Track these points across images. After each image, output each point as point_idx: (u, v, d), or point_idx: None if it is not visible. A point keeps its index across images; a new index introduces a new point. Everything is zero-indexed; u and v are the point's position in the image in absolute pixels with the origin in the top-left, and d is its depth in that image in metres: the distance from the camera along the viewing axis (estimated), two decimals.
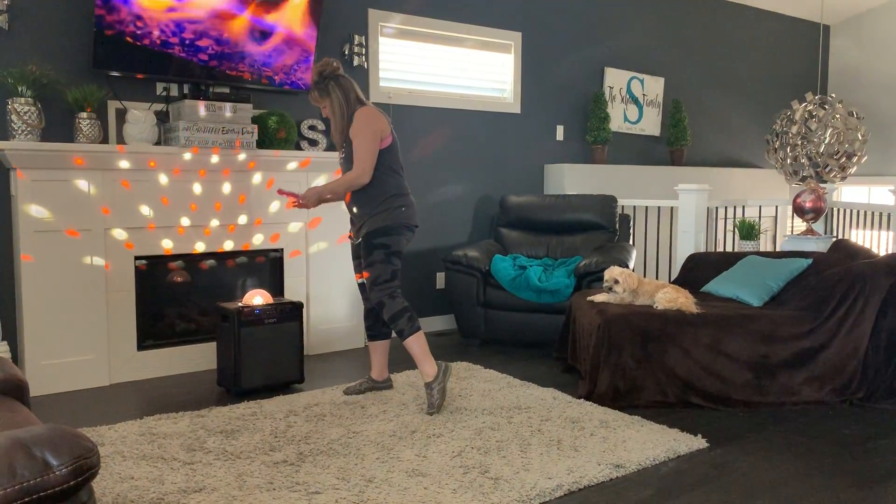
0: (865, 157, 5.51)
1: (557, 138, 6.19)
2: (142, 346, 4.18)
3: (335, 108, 3.45)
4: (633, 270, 4.58)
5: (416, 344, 3.48)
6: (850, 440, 3.18)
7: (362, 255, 3.54)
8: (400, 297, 3.52)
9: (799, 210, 5.07)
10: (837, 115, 5.35)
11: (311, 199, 3.48)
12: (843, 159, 5.34)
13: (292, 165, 4.56)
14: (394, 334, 3.62)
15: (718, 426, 3.34)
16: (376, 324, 3.75)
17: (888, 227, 5.74)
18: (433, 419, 3.36)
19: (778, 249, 6.20)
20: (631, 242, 5.51)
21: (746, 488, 2.69)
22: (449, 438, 3.12)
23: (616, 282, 3.94)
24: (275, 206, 4.53)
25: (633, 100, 6.68)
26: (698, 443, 3.09)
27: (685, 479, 2.76)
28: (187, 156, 4.13)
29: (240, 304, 3.87)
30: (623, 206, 5.62)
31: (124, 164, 3.99)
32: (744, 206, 5.90)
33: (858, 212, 6.14)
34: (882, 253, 5.10)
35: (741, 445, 3.11)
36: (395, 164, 3.53)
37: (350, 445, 3.03)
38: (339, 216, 4.77)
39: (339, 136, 3.49)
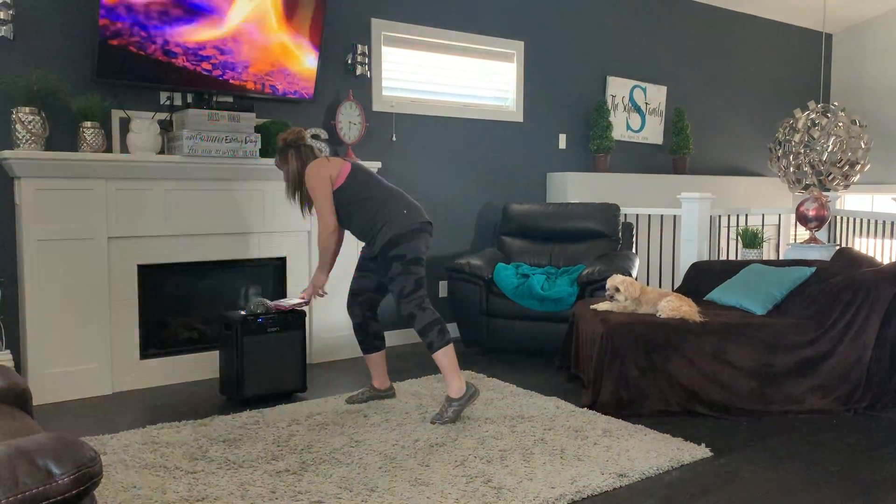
0: (868, 166, 5.52)
1: (560, 147, 6.20)
2: (145, 354, 4.18)
3: (288, 174, 3.61)
4: (636, 279, 4.58)
5: (446, 357, 3.44)
6: (855, 449, 3.16)
7: (382, 273, 3.55)
8: (430, 307, 3.47)
9: (802, 218, 5.06)
10: (840, 124, 5.36)
11: (319, 285, 3.74)
12: (846, 167, 5.35)
13: None
14: (387, 344, 3.69)
15: (722, 435, 3.32)
16: (367, 337, 3.75)
17: (892, 236, 5.73)
18: (435, 428, 3.36)
19: (781, 258, 6.19)
20: (634, 251, 5.50)
21: (751, 498, 2.68)
22: (452, 447, 3.11)
23: (617, 290, 3.94)
24: (277, 214, 4.54)
25: (636, 108, 6.69)
26: (702, 452, 3.08)
27: (689, 489, 2.75)
28: (190, 164, 4.14)
29: (243, 313, 3.86)
30: (626, 215, 5.62)
31: (127, 172, 3.99)
32: (747, 215, 5.90)
33: (862, 220, 6.13)
34: (886, 261, 5.08)
35: (745, 454, 3.10)
36: (367, 191, 3.54)
37: (352, 454, 3.02)
38: None
39: (292, 198, 3.64)
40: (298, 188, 3.61)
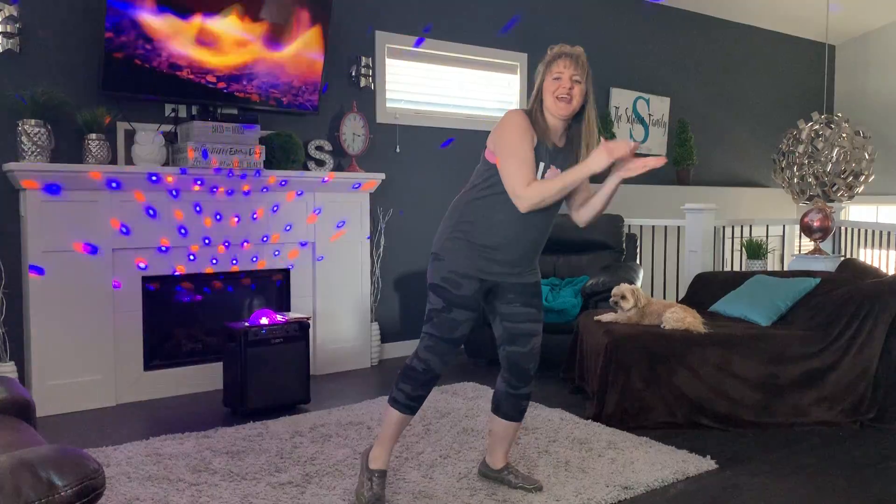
0: (872, 176, 5.51)
1: None
2: (148, 366, 4.18)
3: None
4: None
5: (385, 417, 2.71)
6: (862, 461, 3.14)
7: (537, 305, 2.69)
8: (421, 354, 2.66)
9: (807, 229, 5.05)
10: (844, 135, 5.35)
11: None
12: (851, 178, 5.34)
13: (299, 186, 4.57)
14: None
15: (728, 447, 3.30)
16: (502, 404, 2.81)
17: None
18: (439, 440, 3.34)
19: (786, 269, 6.17)
20: (638, 262, 5.49)
21: None
22: (455, 460, 3.10)
23: (623, 297, 3.92)
24: (281, 226, 4.55)
25: (639, 120, 6.70)
26: (707, 464, 3.06)
27: (694, 501, 2.73)
28: (195, 176, 4.15)
29: (246, 325, 3.87)
30: (630, 226, 5.61)
31: (132, 185, 4.01)
32: (751, 226, 5.89)
33: (866, 231, 6.12)
34: (891, 272, 5.07)
35: (751, 467, 3.08)
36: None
37: (356, 467, 3.01)
38: (347, 237, 4.78)
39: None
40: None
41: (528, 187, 2.45)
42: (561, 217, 5.47)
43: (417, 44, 5.26)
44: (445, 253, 2.60)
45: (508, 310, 2.66)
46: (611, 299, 3.99)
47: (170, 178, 4.10)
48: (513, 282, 2.63)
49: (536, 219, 2.56)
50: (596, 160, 2.41)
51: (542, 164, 2.52)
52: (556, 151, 2.56)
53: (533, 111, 2.55)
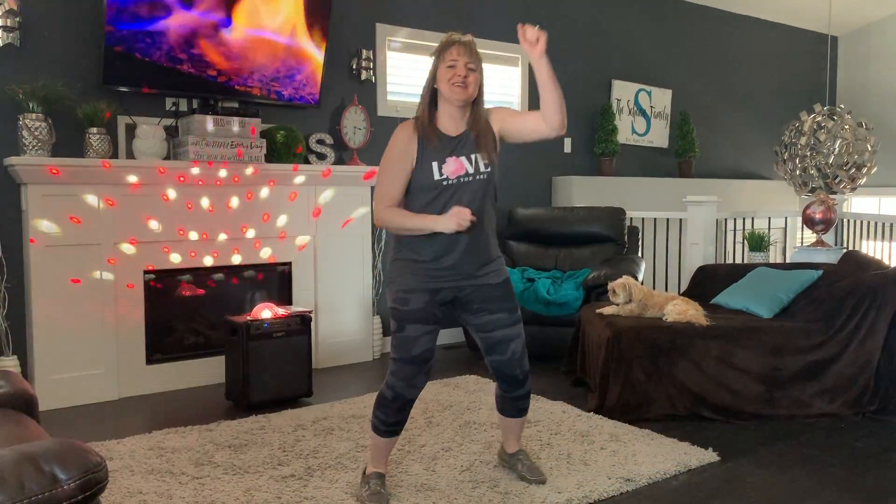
0: (875, 168, 5.49)
1: (565, 150, 6.19)
2: (150, 360, 4.19)
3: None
4: (643, 283, 4.56)
5: (370, 440, 2.75)
6: (864, 453, 3.14)
7: (506, 308, 2.65)
8: (389, 380, 2.66)
9: (809, 221, 5.04)
10: (846, 126, 5.33)
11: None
12: (853, 170, 5.32)
13: (300, 179, 4.57)
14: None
15: (730, 439, 3.31)
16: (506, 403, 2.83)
17: None
18: (441, 433, 3.35)
19: (788, 261, 6.16)
20: (640, 254, 5.49)
21: (758, 502, 2.66)
22: (458, 452, 3.10)
23: (613, 292, 3.93)
24: (283, 219, 4.54)
25: (641, 112, 6.68)
26: (709, 456, 3.07)
27: (697, 493, 2.74)
28: (196, 170, 4.15)
29: (248, 318, 3.87)
30: (631, 218, 5.60)
31: (133, 178, 4.01)
32: (753, 218, 5.88)
33: (869, 223, 6.11)
34: (893, 264, 5.06)
35: (753, 459, 3.08)
36: None
37: (358, 460, 3.02)
38: (349, 230, 4.78)
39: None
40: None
41: (384, 210, 2.54)
42: (560, 211, 5.49)
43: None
44: (393, 274, 2.63)
45: (477, 320, 2.65)
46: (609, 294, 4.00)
47: (170, 173, 4.09)
48: (475, 285, 2.61)
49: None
50: (443, 222, 2.46)
51: (434, 164, 2.52)
52: (458, 139, 2.57)
53: (422, 108, 2.59)
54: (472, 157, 2.55)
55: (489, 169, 2.57)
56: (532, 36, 2.39)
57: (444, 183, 2.52)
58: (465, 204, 2.50)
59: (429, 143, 2.54)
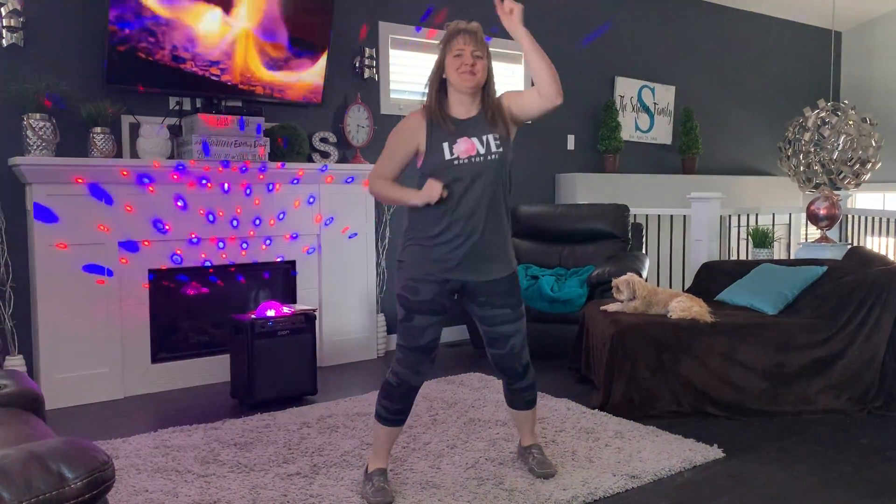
0: (879, 164, 5.48)
1: (569, 147, 6.19)
2: (156, 358, 4.20)
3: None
4: (647, 280, 4.56)
5: (374, 431, 2.78)
6: (869, 450, 3.14)
7: (511, 304, 2.67)
8: (394, 367, 2.71)
9: (813, 217, 5.04)
10: (850, 122, 5.32)
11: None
12: (857, 166, 5.31)
13: (303, 178, 4.56)
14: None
15: (735, 436, 3.30)
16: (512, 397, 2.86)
17: None
18: (446, 430, 3.35)
19: (792, 257, 6.15)
20: (644, 251, 5.48)
21: (764, 499, 2.66)
22: (463, 450, 3.11)
23: (618, 289, 3.93)
24: (287, 218, 4.55)
25: (644, 108, 6.67)
26: (714, 453, 3.07)
27: (702, 490, 2.74)
28: (199, 169, 4.15)
29: (253, 317, 3.88)
30: (635, 215, 5.60)
31: (137, 178, 4.01)
32: (757, 214, 5.87)
33: (873, 219, 6.10)
34: None
35: (758, 455, 3.08)
36: None
37: (364, 457, 3.02)
38: (352, 228, 4.78)
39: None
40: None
41: (375, 178, 2.67)
42: (564, 208, 5.49)
43: (417, 29, 5.25)
44: (405, 259, 2.65)
45: (482, 313, 2.67)
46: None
47: (174, 172, 4.10)
48: (482, 280, 2.62)
49: (473, 204, 2.55)
50: (416, 195, 2.54)
51: (445, 144, 2.55)
52: (469, 121, 2.59)
53: (430, 96, 2.61)
54: (484, 138, 2.57)
55: (501, 149, 2.58)
56: (507, 6, 2.45)
57: (456, 163, 2.53)
58: (478, 195, 2.54)
59: (438, 127, 2.56)
